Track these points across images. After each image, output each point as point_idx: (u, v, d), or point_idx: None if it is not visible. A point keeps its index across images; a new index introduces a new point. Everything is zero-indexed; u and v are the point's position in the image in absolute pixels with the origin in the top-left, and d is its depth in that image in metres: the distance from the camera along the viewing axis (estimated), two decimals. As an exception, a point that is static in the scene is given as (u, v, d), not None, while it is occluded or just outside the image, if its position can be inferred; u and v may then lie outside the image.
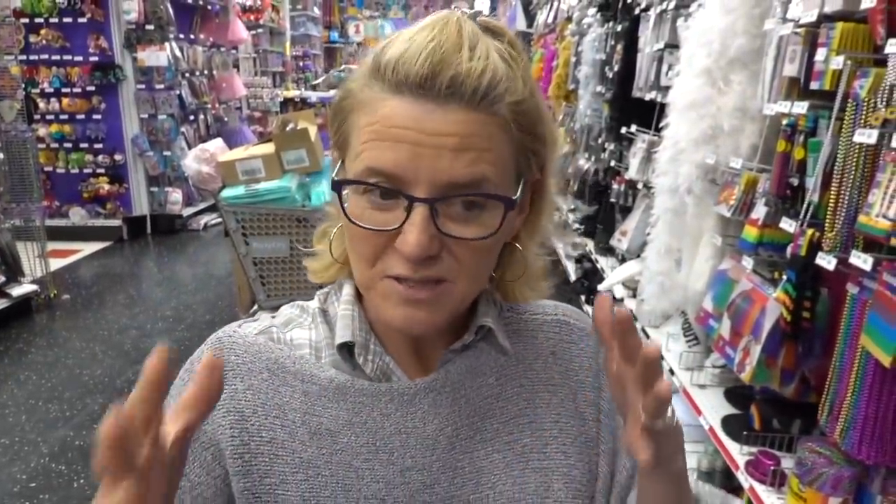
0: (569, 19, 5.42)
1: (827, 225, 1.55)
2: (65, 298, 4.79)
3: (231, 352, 0.66)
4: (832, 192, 1.53)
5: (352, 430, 0.63)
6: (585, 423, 0.71)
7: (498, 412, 0.68)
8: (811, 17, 1.59)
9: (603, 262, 3.97)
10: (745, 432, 2.01)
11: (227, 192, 3.14)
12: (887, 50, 1.32)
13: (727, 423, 2.15)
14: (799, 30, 1.68)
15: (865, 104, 1.43)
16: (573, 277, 4.69)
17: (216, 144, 3.51)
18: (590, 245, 4.36)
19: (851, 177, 1.47)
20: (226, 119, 7.77)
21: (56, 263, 5.35)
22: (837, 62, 1.48)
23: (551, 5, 6.81)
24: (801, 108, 1.64)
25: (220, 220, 3.36)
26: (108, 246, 6.28)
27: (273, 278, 3.25)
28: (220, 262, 5.77)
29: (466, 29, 0.56)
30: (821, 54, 1.55)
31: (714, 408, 2.27)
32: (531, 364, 0.71)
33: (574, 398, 0.71)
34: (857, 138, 1.39)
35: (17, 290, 4.36)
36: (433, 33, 0.56)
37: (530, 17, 9.33)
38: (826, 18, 1.60)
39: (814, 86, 1.63)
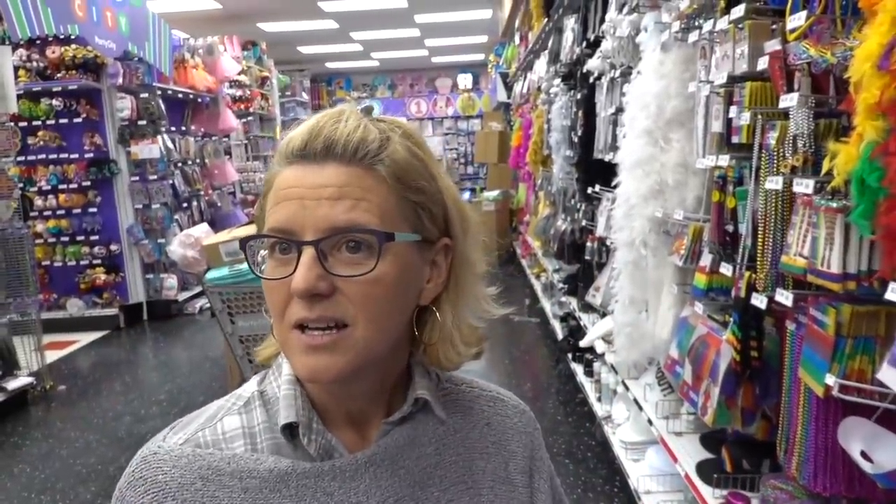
0: (539, 89, 5.69)
1: (758, 266, 1.65)
2: (60, 389, 4.83)
3: (158, 471, 0.65)
4: (760, 236, 1.63)
5: None
6: (516, 490, 0.76)
7: (437, 480, 0.70)
8: (723, 78, 1.75)
9: (585, 319, 4.04)
10: (715, 475, 2.05)
11: (211, 274, 3.25)
12: (783, 104, 1.46)
13: (701, 468, 2.18)
14: (718, 90, 1.83)
15: (776, 154, 1.56)
16: (560, 336, 4.74)
17: (201, 229, 3.65)
18: (573, 304, 4.44)
19: (773, 221, 1.58)
20: (219, 204, 7.99)
21: (53, 355, 5.42)
22: (746, 117, 1.62)
23: (525, 77, 7.15)
24: (725, 160, 1.77)
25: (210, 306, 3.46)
26: (105, 335, 6.35)
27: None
28: (215, 343, 5.83)
29: (348, 111, 0.66)
30: (733, 112, 1.69)
31: (689, 454, 2.30)
32: (468, 434, 0.75)
33: (506, 466, 0.76)
34: (768, 185, 1.51)
35: (12, 384, 4.41)
36: (319, 117, 0.66)
37: (509, 89, 9.74)
38: (738, 79, 1.76)
39: (735, 139, 1.77)
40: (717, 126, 1.91)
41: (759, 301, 1.61)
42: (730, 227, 1.86)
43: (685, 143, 2.20)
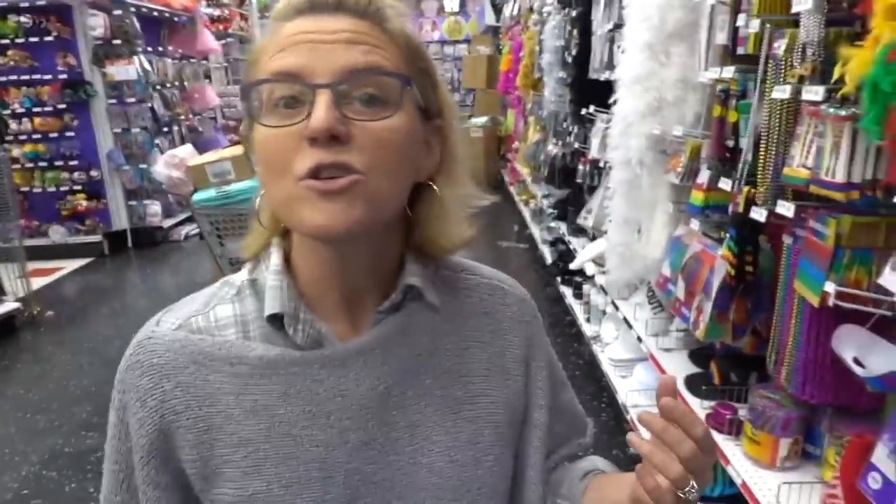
0: (531, 10, 5.51)
1: (758, 180, 1.64)
2: (48, 315, 4.81)
3: (153, 354, 0.66)
4: (761, 149, 1.62)
5: (287, 401, 0.65)
6: (510, 377, 0.76)
7: (430, 368, 0.70)
8: (731, -15, 1.68)
9: (575, 243, 4.06)
10: (704, 387, 2.10)
11: (198, 196, 3.20)
12: (795, 8, 1.41)
13: (690, 381, 2.24)
14: (725, -1, 1.77)
15: (784, 63, 1.52)
16: (549, 261, 4.78)
17: (186, 150, 3.56)
18: (563, 228, 4.45)
19: (776, 133, 1.55)
20: (200, 129, 7.79)
21: (39, 282, 5.37)
22: (755, 26, 1.57)
23: (515, -2, 6.91)
24: (729, 72, 1.73)
25: (199, 228, 3.41)
26: (89, 262, 6.29)
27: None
28: (202, 269, 5.81)
29: None
30: (741, 20, 1.64)
31: (679, 369, 2.36)
32: (464, 321, 0.74)
33: (502, 355, 0.76)
34: (776, 94, 1.48)
35: (-1, 309, 4.40)
36: None
37: (498, 12, 9.43)
38: (747, -14, 1.69)
39: (740, 51, 1.72)
40: (721, 38, 1.86)
41: (758, 214, 1.61)
42: (730, 143, 1.84)
43: (686, 58, 2.15)
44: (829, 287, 1.38)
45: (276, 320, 0.66)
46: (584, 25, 3.41)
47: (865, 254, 1.42)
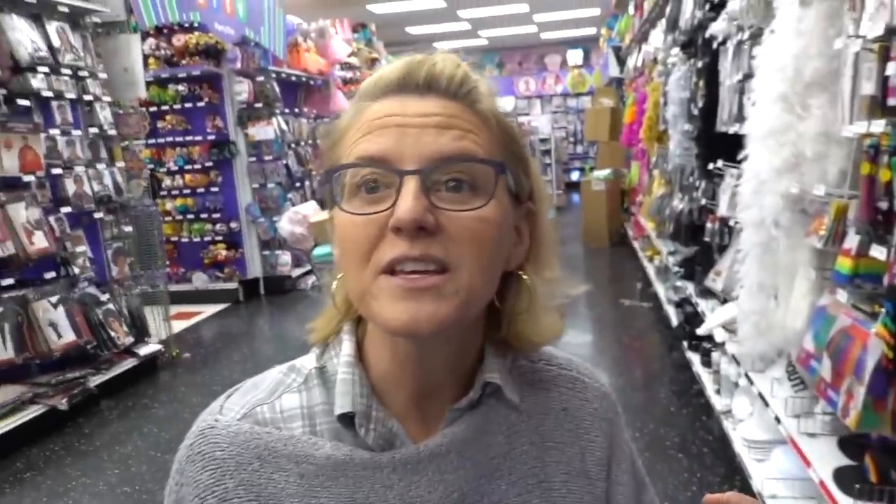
0: (655, 61, 5.36)
1: (921, 250, 1.42)
2: (186, 357, 5.16)
3: (216, 447, 0.61)
4: (924, 214, 1.40)
5: None
6: (592, 483, 0.69)
7: (506, 472, 0.65)
8: (879, 30, 1.50)
9: (704, 305, 3.77)
10: (857, 485, 1.81)
11: (318, 251, 3.31)
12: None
13: (840, 475, 1.95)
14: (871, 45, 1.58)
15: (950, 116, 1.32)
16: (675, 322, 4.48)
17: (309, 207, 3.73)
18: (690, 288, 4.17)
19: (943, 195, 1.34)
20: (330, 184, 8.22)
21: (180, 325, 5.81)
22: (912, 74, 1.38)
23: (639, 49, 6.78)
24: (879, 126, 1.53)
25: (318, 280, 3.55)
26: (226, 307, 6.73)
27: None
28: (324, 319, 6.02)
29: (440, 54, 0.61)
30: (891, 69, 1.45)
31: (825, 458, 2.07)
32: (542, 420, 0.68)
33: (582, 457, 0.69)
34: (940, 153, 1.28)
35: (143, 350, 4.76)
36: (408, 58, 0.61)
37: (621, 63, 9.31)
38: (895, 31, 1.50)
39: (892, 102, 1.52)
40: (868, 88, 1.66)
41: (921, 290, 1.38)
42: (883, 204, 1.62)
43: (827, 110, 1.95)
44: None
45: (345, 417, 0.62)
46: (710, 76, 3.23)
47: None
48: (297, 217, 3.45)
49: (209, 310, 6.60)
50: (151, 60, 6.37)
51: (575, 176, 15.15)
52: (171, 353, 5.07)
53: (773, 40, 2.11)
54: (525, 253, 0.64)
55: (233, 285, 6.91)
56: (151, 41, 6.38)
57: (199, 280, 6.95)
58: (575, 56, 15.51)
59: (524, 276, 0.64)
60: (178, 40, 6.35)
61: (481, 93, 0.60)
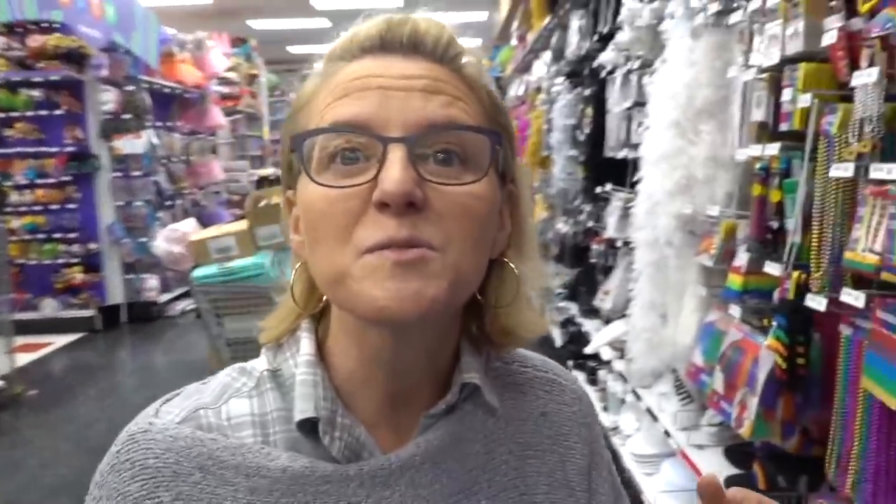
0: (538, 90, 5.57)
1: (813, 265, 1.50)
2: (31, 394, 4.56)
3: (149, 453, 0.52)
4: (814, 232, 1.49)
5: None
6: (574, 494, 0.63)
7: (485, 485, 0.59)
8: (773, 60, 1.60)
9: (588, 325, 3.90)
10: (750, 493, 1.89)
11: (199, 272, 3.06)
12: (854, 82, 1.31)
13: (729, 484, 2.01)
14: (762, 75, 1.69)
15: (837, 140, 1.42)
16: (559, 343, 4.59)
17: (188, 224, 3.45)
18: (573, 309, 4.30)
19: (832, 214, 1.43)
20: (204, 203, 7.77)
21: (25, 358, 5.15)
22: (805, 100, 1.48)
23: (521, 79, 7.04)
24: (773, 150, 1.63)
25: (196, 305, 3.27)
26: (80, 337, 6.09)
27: (249, 360, 3.13)
28: (197, 347, 5.59)
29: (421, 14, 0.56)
30: (787, 94, 1.55)
31: (714, 469, 2.15)
32: (520, 426, 0.62)
33: (563, 466, 0.64)
34: (834, 173, 1.37)
35: (-20, 387, 4.17)
36: (383, 16, 0.54)
37: (501, 92, 9.64)
38: (788, 61, 1.62)
39: (783, 127, 1.63)
40: (758, 114, 1.77)
41: (816, 303, 1.46)
42: (773, 223, 1.72)
43: (716, 135, 2.06)
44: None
45: (306, 424, 0.54)
46: (598, 104, 3.38)
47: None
48: (176, 235, 3.17)
49: (60, 340, 5.93)
50: (1, 61, 5.73)
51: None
52: (15, 391, 4.47)
53: (665, 69, 2.23)
54: (507, 239, 0.58)
55: (89, 312, 6.26)
56: (2, 40, 5.74)
57: (49, 307, 6.24)
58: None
59: (510, 265, 0.58)
60: (35, 41, 5.75)
61: (469, 59, 0.54)
